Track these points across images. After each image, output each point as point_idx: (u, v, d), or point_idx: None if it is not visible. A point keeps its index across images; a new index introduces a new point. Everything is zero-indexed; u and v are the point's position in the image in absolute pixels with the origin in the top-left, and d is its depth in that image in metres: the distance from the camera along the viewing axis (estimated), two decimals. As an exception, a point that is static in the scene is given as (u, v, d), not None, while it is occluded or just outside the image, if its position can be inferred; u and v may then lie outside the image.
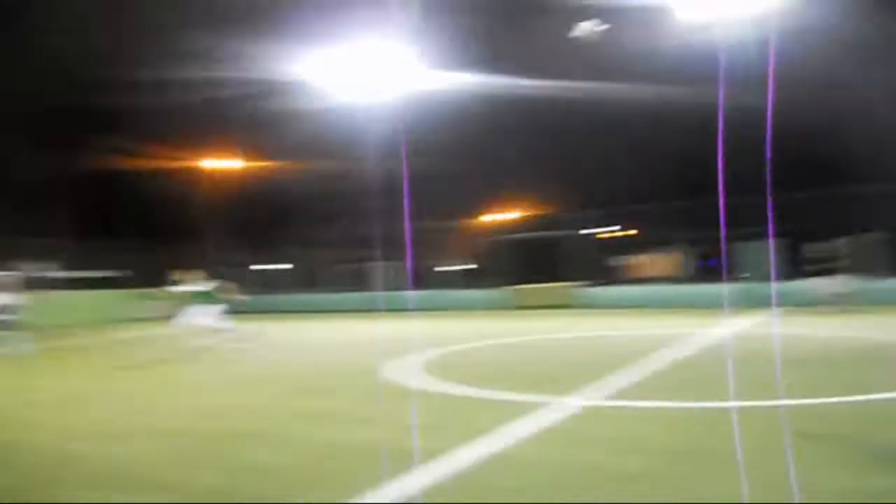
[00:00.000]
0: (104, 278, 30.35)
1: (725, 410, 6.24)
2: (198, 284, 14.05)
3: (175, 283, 14.71)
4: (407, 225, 26.71)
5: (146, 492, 4.64)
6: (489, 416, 6.37)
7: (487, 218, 34.27)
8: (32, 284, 25.08)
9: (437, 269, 26.77)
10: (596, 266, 25.79)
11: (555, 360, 10.85)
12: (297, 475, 4.89)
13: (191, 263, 30.79)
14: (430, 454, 5.08)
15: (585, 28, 20.77)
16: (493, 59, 26.49)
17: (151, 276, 30.22)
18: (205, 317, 13.65)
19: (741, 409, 6.14)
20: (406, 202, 26.16)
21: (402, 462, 4.88)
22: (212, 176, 35.39)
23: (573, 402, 6.94)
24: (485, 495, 4.30)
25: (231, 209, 33.93)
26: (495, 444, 5.40)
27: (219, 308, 13.81)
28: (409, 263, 27.68)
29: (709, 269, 25.17)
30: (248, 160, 35.90)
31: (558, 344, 13.19)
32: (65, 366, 13.06)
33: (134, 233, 33.83)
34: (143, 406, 7.92)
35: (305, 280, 31.65)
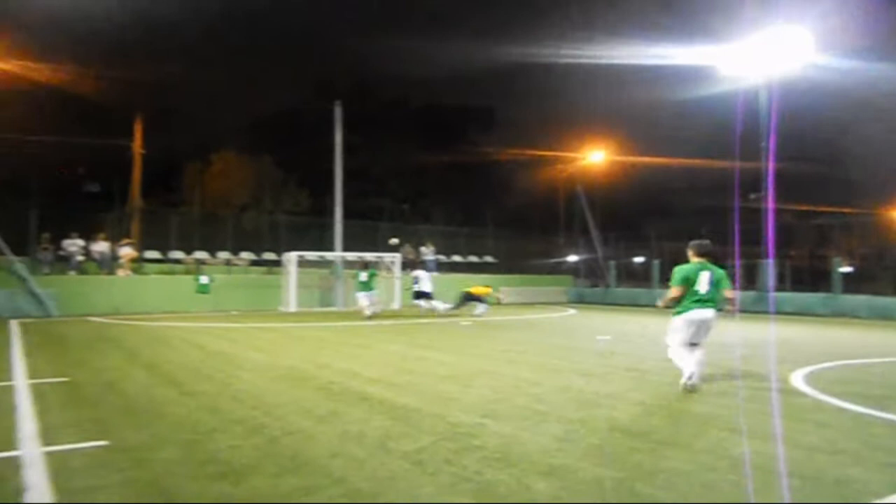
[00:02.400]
0: (473, 263, 32.78)
1: None
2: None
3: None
4: (770, 218, 24.83)
5: (530, 475, 4.63)
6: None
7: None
8: (415, 266, 28.29)
9: (838, 270, 23.99)
10: None
11: None
12: (688, 484, 4.51)
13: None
14: (834, 483, 4.49)
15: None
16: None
17: (512, 264, 32.51)
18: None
19: None
20: (770, 193, 24.40)
21: (797, 486, 4.37)
22: (581, 170, 36.36)
23: None
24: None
25: (601, 202, 34.58)
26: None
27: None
28: (770, 260, 25.34)
29: None
30: (617, 151, 36.25)
31: None
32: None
33: (501, 222, 36.28)
34: (525, 388, 8.10)
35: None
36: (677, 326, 8.01)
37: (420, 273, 22.96)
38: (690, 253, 8.30)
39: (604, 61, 31.07)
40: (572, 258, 35.40)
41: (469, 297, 21.82)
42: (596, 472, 4.69)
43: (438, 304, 22.12)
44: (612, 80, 34.83)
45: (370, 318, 19.86)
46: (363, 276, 20.89)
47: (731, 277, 8.70)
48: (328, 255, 26.86)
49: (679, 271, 8.08)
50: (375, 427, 5.98)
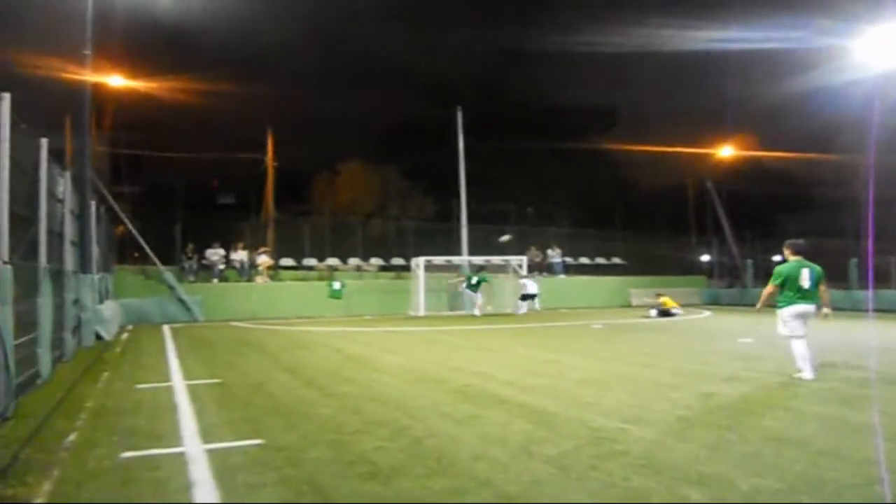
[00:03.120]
0: (601, 265, 32.18)
1: None
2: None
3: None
4: None
5: (681, 484, 4.47)
6: None
7: None
8: (542, 269, 28.13)
9: None
10: None
11: None
12: (854, 497, 4.22)
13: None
14: None
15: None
16: None
17: (641, 265, 31.68)
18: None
19: None
20: None
21: None
22: (711, 166, 35.07)
23: None
24: None
25: (734, 199, 33.19)
26: None
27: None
28: None
29: None
30: (748, 145, 34.77)
31: None
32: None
33: (628, 223, 35.46)
34: (665, 393, 7.87)
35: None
36: (786, 318, 8.68)
37: (525, 281, 25.39)
38: (788, 252, 8.93)
39: (734, 47, 29.83)
40: (705, 258, 34.13)
41: (664, 312, 22.04)
42: (753, 483, 4.47)
43: (523, 306, 24.82)
44: (741, 70, 33.34)
45: (477, 316, 22.95)
46: (474, 279, 24.12)
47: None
48: (455, 259, 27.14)
49: (780, 269, 8.77)
50: (516, 431, 5.96)
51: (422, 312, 24.37)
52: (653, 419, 6.40)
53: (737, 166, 35.83)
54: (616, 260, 32.41)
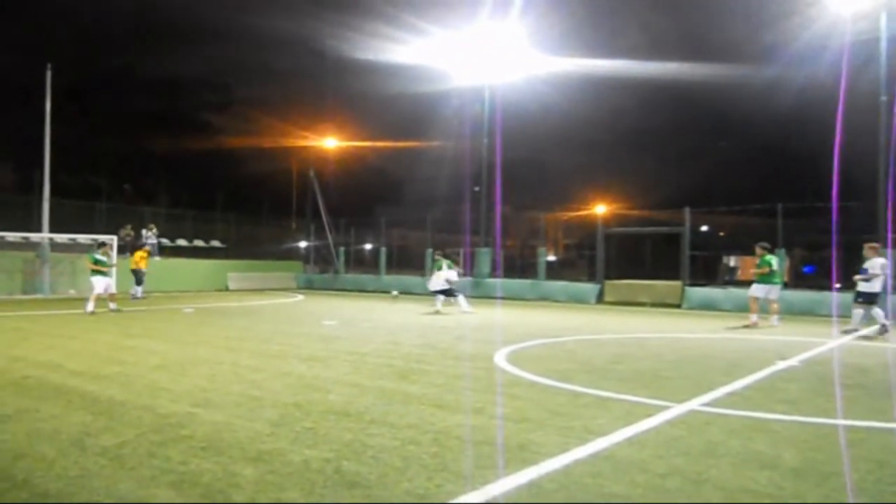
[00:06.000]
0: (199, 248, 31.48)
1: (838, 428, 5.79)
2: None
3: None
4: (497, 211, 26.93)
5: (238, 462, 4.62)
6: (580, 414, 6.17)
7: (595, 209, 34.06)
8: (135, 249, 26.52)
9: (543, 259, 26.41)
10: (705, 265, 24.56)
11: (653, 360, 10.33)
12: (391, 458, 4.77)
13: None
14: (518, 447, 5.03)
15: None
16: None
17: (242, 249, 31.75)
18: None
19: (854, 428, 5.78)
20: (498, 188, 26.50)
21: (487, 453, 4.83)
22: (315, 155, 36.33)
23: (673, 406, 6.56)
24: (579, 497, 4.04)
25: (333, 189, 34.80)
26: (587, 444, 5.15)
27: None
28: (497, 250, 27.57)
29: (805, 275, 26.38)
30: (351, 140, 36.74)
31: (658, 344, 12.64)
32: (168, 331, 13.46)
33: (231, 206, 35.22)
34: (244, 375, 8.00)
35: (400, 262, 31.79)
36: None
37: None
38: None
39: (344, 49, 31.28)
40: (303, 244, 35.34)
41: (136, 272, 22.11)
42: (305, 455, 4.79)
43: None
44: (351, 69, 35.17)
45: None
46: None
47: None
48: (33, 236, 24.16)
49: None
50: (73, 423, 5.56)
51: (-14, 296, 21.28)
52: (225, 401, 6.47)
53: (343, 159, 37.74)
54: (215, 243, 31.90)
